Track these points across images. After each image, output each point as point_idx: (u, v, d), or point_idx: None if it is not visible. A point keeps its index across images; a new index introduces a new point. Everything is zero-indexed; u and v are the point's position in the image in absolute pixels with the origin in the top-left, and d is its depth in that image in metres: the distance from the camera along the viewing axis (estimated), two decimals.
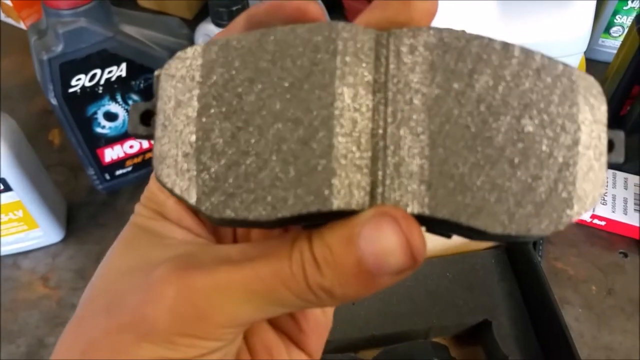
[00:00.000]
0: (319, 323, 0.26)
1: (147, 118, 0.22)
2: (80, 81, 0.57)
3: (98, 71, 0.57)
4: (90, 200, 0.68)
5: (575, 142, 0.20)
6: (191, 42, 0.64)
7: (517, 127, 0.19)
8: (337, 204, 0.19)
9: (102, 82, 0.58)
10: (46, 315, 0.59)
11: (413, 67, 0.20)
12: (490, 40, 0.20)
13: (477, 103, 0.20)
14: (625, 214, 0.62)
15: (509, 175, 0.19)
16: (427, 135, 0.20)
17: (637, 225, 0.61)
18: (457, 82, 0.20)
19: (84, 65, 0.56)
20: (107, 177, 0.66)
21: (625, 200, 0.63)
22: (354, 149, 0.20)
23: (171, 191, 0.20)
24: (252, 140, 0.20)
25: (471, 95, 0.20)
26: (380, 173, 0.20)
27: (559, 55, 0.54)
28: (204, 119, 0.20)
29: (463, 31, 0.21)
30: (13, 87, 0.83)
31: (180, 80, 0.21)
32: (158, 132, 0.21)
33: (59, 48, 0.54)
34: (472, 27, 0.51)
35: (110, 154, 0.64)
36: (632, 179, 0.65)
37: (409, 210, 0.19)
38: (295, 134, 0.20)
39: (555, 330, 0.46)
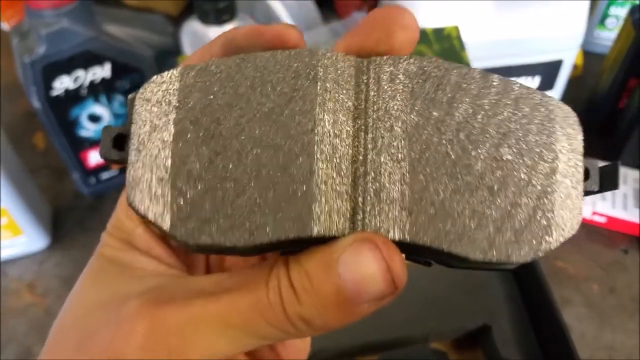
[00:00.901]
0: (297, 349, 0.25)
1: (120, 142, 0.21)
2: (64, 83, 0.56)
3: (82, 72, 0.56)
4: (76, 205, 0.67)
5: (553, 171, 0.20)
6: (176, 39, 0.63)
7: (496, 155, 0.20)
8: (317, 230, 0.19)
9: (86, 83, 0.57)
10: (34, 323, 0.58)
11: (393, 94, 0.21)
12: (470, 69, 0.21)
13: (457, 131, 0.20)
14: (625, 210, 0.61)
15: (488, 202, 0.20)
16: (407, 162, 0.20)
17: (637, 221, 0.60)
18: (437, 110, 0.20)
19: (67, 66, 0.55)
20: (93, 181, 0.65)
21: (625, 196, 0.62)
22: (335, 175, 0.20)
23: (144, 217, 0.20)
24: (230, 166, 0.20)
25: (451, 124, 0.20)
26: (360, 199, 0.20)
27: (556, 49, 0.53)
28: (180, 144, 0.20)
29: (443, 60, 0.21)
30: None
31: (156, 104, 0.21)
32: (132, 157, 0.20)
33: (42, 50, 0.53)
34: (468, 23, 0.51)
35: (96, 157, 0.63)
36: (632, 173, 0.64)
37: (390, 236, 0.19)
38: (275, 160, 0.20)
39: (557, 335, 0.45)
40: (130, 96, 0.21)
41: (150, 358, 0.19)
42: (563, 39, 0.52)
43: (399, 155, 0.20)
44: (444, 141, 0.20)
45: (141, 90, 0.21)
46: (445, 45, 0.49)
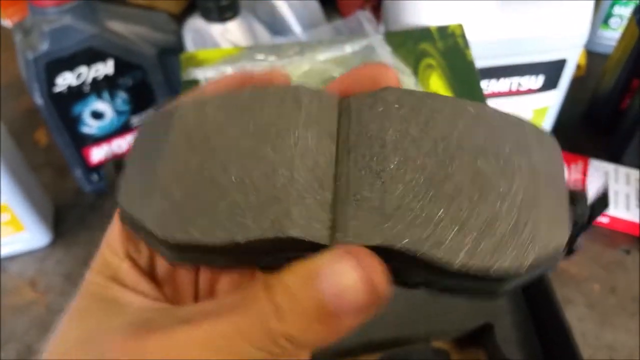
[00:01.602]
0: None
1: (120, 167, 0.23)
2: (67, 80, 0.55)
3: (84, 69, 0.56)
4: (78, 202, 0.67)
5: (535, 185, 0.20)
6: (179, 37, 0.63)
7: (474, 167, 0.20)
8: (295, 232, 0.19)
9: (88, 80, 0.57)
10: (35, 320, 0.57)
11: (372, 119, 0.22)
12: (444, 97, 0.22)
13: (434, 146, 0.21)
14: (628, 210, 0.61)
15: (469, 210, 0.20)
16: (386, 173, 0.20)
17: (639, 222, 0.60)
18: (413, 129, 0.21)
19: (70, 63, 0.55)
20: (95, 178, 0.65)
21: (628, 196, 0.62)
22: (316, 185, 0.21)
23: (130, 217, 0.21)
24: (216, 172, 0.21)
25: (427, 140, 0.21)
26: (340, 209, 0.20)
27: (560, 49, 0.53)
28: (172, 154, 0.21)
29: (418, 91, 0.22)
30: None
31: (156, 123, 0.23)
32: (128, 168, 0.22)
33: (45, 47, 0.53)
34: (473, 22, 0.50)
35: (98, 153, 0.63)
36: (634, 173, 0.64)
37: (370, 242, 0.19)
38: (259, 168, 0.21)
39: (559, 334, 0.45)
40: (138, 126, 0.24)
41: None
42: (567, 38, 0.52)
43: (378, 168, 0.21)
44: (421, 155, 0.21)
45: (141, 125, 0.24)
46: (449, 43, 0.49)
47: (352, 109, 0.22)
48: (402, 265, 0.20)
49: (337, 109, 0.23)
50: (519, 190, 0.20)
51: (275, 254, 0.20)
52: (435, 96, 0.22)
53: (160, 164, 0.21)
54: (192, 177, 0.21)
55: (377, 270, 0.18)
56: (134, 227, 0.22)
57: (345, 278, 0.18)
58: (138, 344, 0.19)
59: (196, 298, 0.26)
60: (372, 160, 0.21)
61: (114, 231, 0.24)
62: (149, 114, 0.24)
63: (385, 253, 0.20)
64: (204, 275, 0.26)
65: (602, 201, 0.21)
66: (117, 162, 0.23)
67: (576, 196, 0.21)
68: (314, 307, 0.18)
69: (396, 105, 0.22)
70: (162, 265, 0.24)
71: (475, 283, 0.20)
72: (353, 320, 0.19)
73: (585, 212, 0.21)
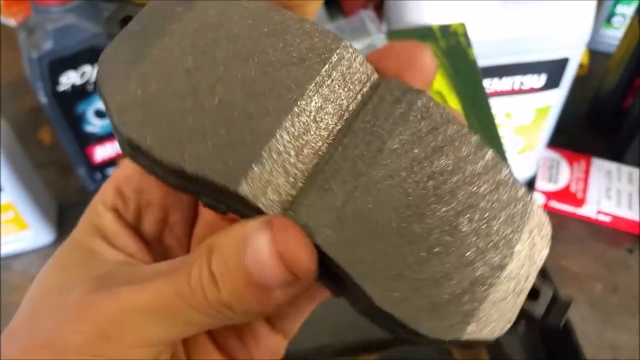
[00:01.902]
0: (270, 349, 0.25)
1: (127, 23, 0.21)
2: (70, 79, 0.56)
3: (88, 68, 0.56)
4: (82, 201, 0.66)
5: (501, 267, 0.19)
6: None
7: (453, 221, 0.19)
8: (244, 190, 0.18)
9: (92, 79, 0.57)
10: None
11: (388, 115, 0.20)
12: (470, 132, 0.20)
13: (428, 178, 0.19)
14: (630, 209, 0.61)
15: (421, 260, 0.18)
16: (365, 179, 0.19)
17: None
18: (419, 149, 0.19)
19: (73, 62, 0.55)
20: (99, 176, 0.65)
21: (630, 195, 0.62)
22: (292, 153, 0.19)
23: (99, 87, 0.19)
24: (203, 86, 0.19)
25: (425, 168, 0.19)
26: (304, 192, 0.19)
27: (562, 47, 0.53)
28: (171, 41, 0.19)
29: (451, 111, 0.20)
30: (3, 85, 0.82)
31: (171, 4, 0.20)
32: (124, 31, 0.20)
33: (48, 45, 0.53)
34: (475, 20, 0.50)
35: (101, 152, 0.63)
36: (636, 172, 0.64)
37: (313, 239, 0.18)
38: (246, 105, 0.19)
39: (561, 332, 0.45)
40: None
41: (87, 343, 0.19)
42: (569, 37, 0.52)
43: (362, 169, 0.19)
44: (410, 180, 0.19)
45: None
46: (451, 42, 0.49)
47: (377, 93, 0.20)
48: (333, 269, 0.19)
49: (363, 84, 0.20)
50: (483, 266, 0.19)
51: (220, 196, 0.19)
52: (460, 128, 0.20)
53: (155, 46, 0.19)
54: (179, 77, 0.19)
55: (294, 247, 0.18)
56: (103, 100, 0.20)
57: (262, 249, 0.18)
58: (92, 299, 0.20)
59: None
60: (361, 157, 0.19)
61: (109, 182, 0.24)
62: None
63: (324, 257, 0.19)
64: (196, 240, 0.26)
65: (563, 308, 0.20)
66: (126, 17, 0.21)
67: (538, 293, 0.20)
68: (242, 276, 0.18)
69: (418, 115, 0.20)
70: (150, 224, 0.24)
71: (389, 325, 0.19)
72: (282, 295, 0.19)
73: (540, 312, 0.20)
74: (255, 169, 0.18)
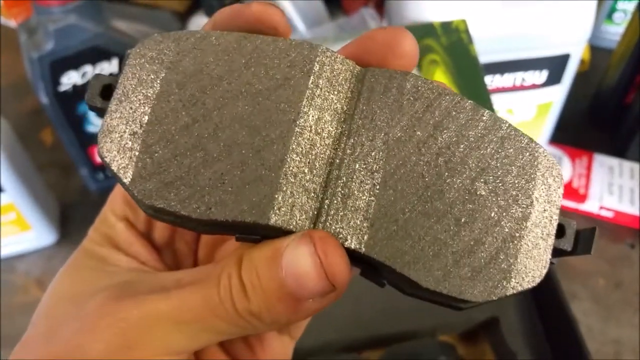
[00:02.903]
0: (276, 351, 0.25)
1: (108, 92, 0.21)
2: (72, 79, 0.56)
3: (89, 68, 0.56)
4: (84, 201, 0.67)
5: (525, 217, 0.20)
6: None
7: (470, 188, 0.20)
8: (274, 220, 0.19)
9: None
10: None
11: (382, 106, 0.20)
12: (462, 99, 0.20)
13: (437, 155, 0.20)
14: (632, 204, 0.61)
15: (452, 233, 0.19)
16: (380, 175, 0.20)
17: None
18: (421, 131, 0.20)
19: (74, 62, 0.55)
20: (101, 176, 0.65)
21: (632, 191, 0.62)
22: (306, 170, 0.19)
23: (108, 166, 0.20)
24: (205, 136, 0.19)
25: (432, 147, 0.20)
26: (327, 202, 0.20)
27: (563, 43, 0.53)
28: (161, 104, 0.20)
29: (438, 84, 0.21)
30: (4, 86, 0.82)
31: (149, 60, 0.20)
32: (112, 106, 0.20)
33: (50, 46, 0.53)
34: (476, 17, 0.50)
35: None
36: (639, 168, 0.64)
37: (347, 244, 0.19)
38: (250, 141, 0.19)
39: (565, 326, 0.45)
40: (128, 51, 0.21)
41: (110, 352, 0.19)
42: (571, 34, 0.52)
43: (375, 166, 0.20)
44: (421, 162, 0.20)
45: (138, 45, 0.21)
46: (453, 38, 0.49)
47: (364, 85, 0.21)
48: (372, 266, 0.20)
49: (349, 81, 0.21)
50: (509, 222, 0.20)
51: (250, 232, 0.20)
52: (453, 97, 0.20)
53: (147, 113, 0.20)
54: (180, 136, 0.19)
55: (332, 258, 0.18)
56: (109, 171, 0.20)
57: (301, 263, 0.18)
58: (113, 307, 0.20)
59: (195, 266, 0.26)
60: (370, 155, 0.20)
61: (117, 191, 0.24)
62: (144, 41, 0.21)
63: (358, 256, 0.19)
64: (204, 245, 0.26)
65: (588, 239, 0.20)
66: (105, 86, 0.21)
67: (564, 228, 0.21)
68: (275, 288, 0.19)
69: (410, 98, 0.20)
70: (160, 231, 0.25)
71: (439, 299, 0.20)
72: (315, 305, 0.19)
73: (570, 245, 0.21)
74: (279, 197, 0.19)
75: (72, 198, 0.68)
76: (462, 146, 0.20)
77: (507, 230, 0.20)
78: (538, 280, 0.20)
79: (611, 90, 0.68)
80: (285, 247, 0.18)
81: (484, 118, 0.20)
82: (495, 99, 0.55)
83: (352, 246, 0.19)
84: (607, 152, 0.66)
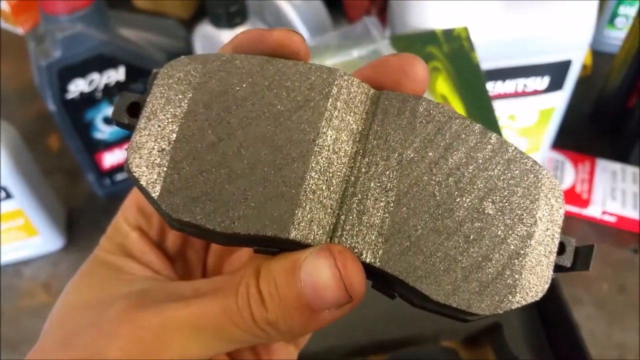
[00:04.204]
0: (281, 354, 0.26)
1: (135, 109, 0.22)
2: (79, 86, 0.56)
3: (96, 75, 0.57)
4: (91, 206, 0.68)
5: (530, 235, 0.21)
6: (188, 43, 0.64)
7: (479, 207, 0.21)
8: (294, 234, 0.20)
9: (100, 86, 0.58)
10: None
11: (396, 127, 0.21)
12: (471, 122, 0.22)
13: (447, 175, 0.21)
14: (635, 209, 0.61)
15: (462, 250, 0.20)
16: (394, 193, 0.21)
17: None
18: (433, 152, 0.21)
19: (82, 69, 0.56)
20: (107, 182, 0.65)
21: (635, 195, 0.62)
22: (324, 187, 0.21)
23: (137, 181, 0.20)
24: (230, 154, 0.21)
25: (443, 167, 0.21)
26: (343, 218, 0.21)
27: (564, 49, 0.53)
28: (189, 122, 0.21)
29: (449, 108, 0.22)
30: (11, 92, 0.83)
31: (177, 81, 0.22)
32: (141, 124, 0.21)
33: (57, 54, 0.54)
34: (477, 23, 0.51)
35: (110, 158, 0.63)
36: None
37: (362, 258, 0.20)
38: (272, 159, 0.20)
39: (567, 332, 0.45)
40: (154, 70, 0.22)
41: (128, 358, 0.19)
42: (571, 39, 0.52)
43: (389, 185, 0.21)
44: (433, 182, 0.21)
45: (166, 66, 0.22)
46: (454, 46, 0.49)
47: (379, 107, 0.22)
48: (385, 279, 0.21)
49: (364, 103, 0.22)
50: (514, 240, 0.21)
51: (270, 245, 0.21)
52: (463, 121, 0.22)
53: (175, 131, 0.21)
54: (205, 153, 0.21)
55: (350, 269, 0.19)
56: (139, 187, 0.21)
57: (320, 274, 0.19)
58: (132, 315, 0.20)
59: (204, 275, 0.27)
60: (384, 174, 0.21)
61: (130, 200, 0.24)
62: (172, 63, 0.22)
63: (371, 269, 0.20)
64: (213, 254, 0.26)
65: (587, 256, 0.22)
66: (132, 104, 0.22)
67: (564, 246, 0.22)
68: (293, 298, 0.19)
69: (423, 121, 0.21)
70: (172, 241, 0.25)
71: (447, 312, 0.21)
72: (331, 316, 0.20)
73: (569, 262, 0.22)
74: (299, 213, 0.20)
75: (78, 203, 0.68)
76: (471, 167, 0.21)
77: (512, 247, 0.21)
78: (540, 294, 0.21)
79: (613, 94, 0.68)
80: (304, 259, 0.19)
81: (492, 141, 0.22)
82: (498, 105, 0.56)
83: (367, 260, 0.20)
84: (610, 157, 0.66)
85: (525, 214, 0.21)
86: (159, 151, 0.21)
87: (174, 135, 0.21)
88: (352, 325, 0.47)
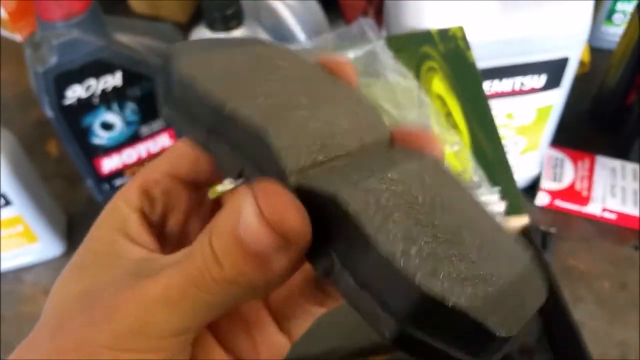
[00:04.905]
0: (276, 343, 0.25)
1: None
2: (76, 92, 0.56)
3: (93, 81, 0.57)
4: (90, 212, 0.67)
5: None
6: None
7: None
8: (272, 140, 0.19)
9: (97, 92, 0.58)
10: None
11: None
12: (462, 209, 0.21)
13: (432, 201, 0.20)
14: (636, 206, 0.61)
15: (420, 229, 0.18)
16: (380, 174, 0.20)
17: None
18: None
19: (78, 75, 0.56)
20: (107, 187, 0.65)
21: (635, 193, 0.62)
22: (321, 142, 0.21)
23: (182, 73, 0.21)
24: (261, 79, 0.22)
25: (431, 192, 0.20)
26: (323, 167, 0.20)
27: (561, 47, 0.53)
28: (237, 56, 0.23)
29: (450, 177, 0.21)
30: (9, 98, 0.83)
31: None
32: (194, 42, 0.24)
33: (54, 60, 0.54)
34: (473, 23, 0.51)
35: (109, 164, 0.63)
36: None
37: (322, 189, 0.18)
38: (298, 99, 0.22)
39: (567, 333, 0.45)
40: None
41: (116, 341, 0.19)
42: (568, 37, 0.52)
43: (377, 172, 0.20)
44: (419, 190, 0.20)
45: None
46: (450, 45, 0.49)
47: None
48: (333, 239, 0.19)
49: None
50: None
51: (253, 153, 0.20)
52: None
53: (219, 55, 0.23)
54: (240, 65, 0.22)
55: (283, 209, 0.18)
56: (179, 87, 0.22)
57: (246, 214, 0.18)
58: (120, 299, 0.20)
59: None
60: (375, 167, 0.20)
61: (132, 185, 0.24)
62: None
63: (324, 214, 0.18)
64: None
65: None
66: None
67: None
68: (238, 248, 0.18)
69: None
70: (172, 228, 0.25)
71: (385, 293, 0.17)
72: (280, 262, 0.19)
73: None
74: (286, 132, 0.20)
75: (78, 209, 0.68)
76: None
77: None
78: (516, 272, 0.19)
79: (612, 91, 0.68)
80: (238, 202, 0.18)
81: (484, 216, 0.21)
82: (494, 104, 0.56)
83: (327, 191, 0.19)
84: (609, 154, 0.66)
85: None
86: (203, 50, 0.23)
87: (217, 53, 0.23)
88: (353, 326, 0.47)
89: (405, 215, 0.18)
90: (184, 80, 0.21)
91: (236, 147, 0.20)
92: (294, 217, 0.18)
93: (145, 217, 0.24)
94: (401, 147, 0.23)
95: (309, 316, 0.26)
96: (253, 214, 0.18)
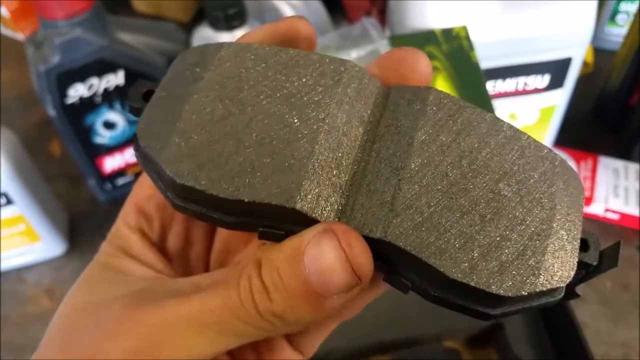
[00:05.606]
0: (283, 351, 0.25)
1: (149, 96, 0.22)
2: (78, 91, 0.56)
3: (95, 80, 0.57)
4: (93, 211, 0.68)
5: (550, 219, 0.20)
6: (188, 46, 0.64)
7: (494, 188, 0.20)
8: (300, 205, 0.19)
9: (100, 91, 0.58)
10: None
11: (406, 115, 0.21)
12: (483, 111, 0.22)
13: (460, 158, 0.21)
14: (638, 207, 0.60)
15: (478, 228, 0.20)
16: (406, 171, 0.20)
17: None
18: (445, 136, 0.21)
19: (81, 74, 0.56)
20: (109, 187, 0.65)
21: (638, 193, 0.62)
22: (333, 165, 0.20)
23: (144, 150, 0.20)
24: (239, 127, 0.21)
25: (455, 150, 0.21)
26: (352, 199, 0.20)
27: (564, 47, 0.53)
28: (201, 98, 0.21)
29: (460, 99, 0.22)
30: (11, 98, 0.83)
31: (192, 64, 0.22)
32: (153, 99, 0.22)
33: (56, 59, 0.54)
34: (476, 23, 0.50)
35: (111, 163, 0.63)
36: None
37: (371, 234, 0.19)
38: (281, 134, 0.20)
39: (570, 333, 0.45)
40: (174, 62, 0.23)
41: (130, 357, 0.19)
42: (571, 37, 0.52)
43: (399, 164, 0.20)
44: (445, 162, 0.20)
45: (182, 52, 0.23)
46: (454, 45, 0.49)
47: (390, 99, 0.22)
48: (397, 259, 0.20)
49: (375, 96, 0.22)
50: (533, 221, 0.20)
51: (276, 222, 0.20)
52: (474, 109, 0.21)
53: (187, 104, 0.21)
54: (215, 125, 0.21)
55: (356, 249, 0.18)
56: (146, 163, 0.21)
57: (325, 257, 0.18)
58: (132, 314, 0.20)
59: (206, 271, 0.26)
60: (395, 155, 0.21)
61: (129, 204, 0.24)
62: (190, 49, 0.23)
63: (381, 247, 0.19)
64: (216, 253, 0.26)
65: (613, 253, 0.20)
66: (147, 92, 0.23)
67: (587, 242, 0.21)
68: (299, 286, 0.18)
69: (434, 108, 0.21)
70: (173, 241, 0.25)
71: (466, 300, 0.20)
72: (339, 301, 0.19)
73: (594, 258, 0.21)
74: (306, 185, 0.19)
75: (80, 209, 0.68)
76: (484, 152, 0.21)
77: (532, 229, 0.20)
78: (566, 280, 0.20)
79: (615, 92, 0.68)
80: (306, 244, 0.18)
81: (504, 129, 0.21)
82: (498, 103, 0.56)
83: (378, 235, 0.19)
84: (612, 154, 0.66)
85: (543, 198, 0.20)
86: (169, 122, 0.21)
87: (186, 107, 0.21)
88: (352, 326, 0.47)
89: (448, 210, 0.20)
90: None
91: (271, 222, 0.20)
92: (369, 261, 0.19)
93: (146, 236, 0.24)
94: (396, 86, 0.23)
95: (323, 330, 0.25)
96: (335, 256, 0.18)
